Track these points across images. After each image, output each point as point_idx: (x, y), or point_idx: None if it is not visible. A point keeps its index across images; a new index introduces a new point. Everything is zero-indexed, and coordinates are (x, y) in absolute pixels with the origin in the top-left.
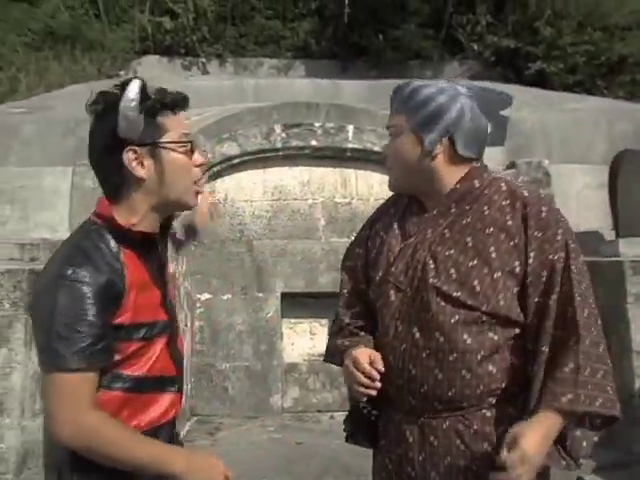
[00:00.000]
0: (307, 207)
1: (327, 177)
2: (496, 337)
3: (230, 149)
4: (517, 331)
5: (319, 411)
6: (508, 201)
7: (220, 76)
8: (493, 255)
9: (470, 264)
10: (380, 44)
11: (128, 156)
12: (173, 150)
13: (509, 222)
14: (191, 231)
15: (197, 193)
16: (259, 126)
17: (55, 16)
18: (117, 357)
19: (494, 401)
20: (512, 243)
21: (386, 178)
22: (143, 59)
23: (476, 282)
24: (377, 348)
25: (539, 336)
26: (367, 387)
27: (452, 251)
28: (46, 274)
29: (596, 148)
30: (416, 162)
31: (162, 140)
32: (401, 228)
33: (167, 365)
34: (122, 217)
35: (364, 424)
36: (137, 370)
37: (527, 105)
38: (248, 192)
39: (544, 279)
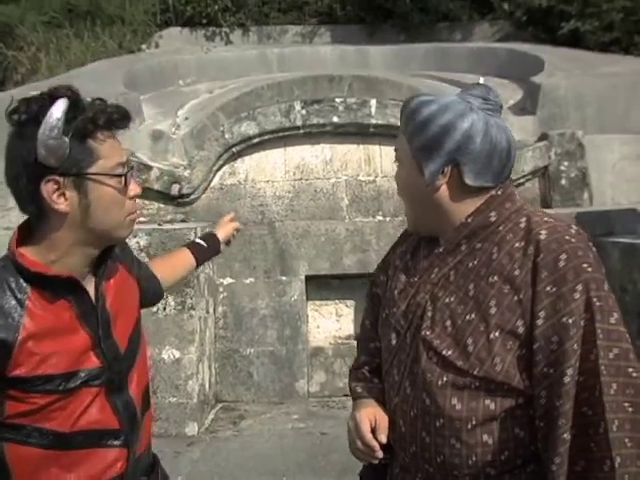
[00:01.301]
0: (330, 186)
1: (350, 154)
2: (492, 406)
3: (249, 128)
4: (520, 401)
5: (345, 395)
6: (522, 243)
7: (243, 46)
8: (492, 310)
9: (467, 318)
10: (407, 7)
11: (47, 188)
12: (102, 183)
13: (516, 272)
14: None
15: (133, 221)
16: (279, 103)
17: None
18: (24, 408)
19: (492, 472)
20: (516, 298)
21: None
22: (164, 32)
23: (470, 341)
24: None
25: (556, 419)
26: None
27: (452, 298)
28: None
29: (634, 116)
30: (418, 194)
31: (90, 171)
32: (412, 261)
33: (106, 418)
34: (39, 252)
35: (372, 467)
36: (59, 425)
37: (560, 70)
38: (269, 172)
39: (554, 346)
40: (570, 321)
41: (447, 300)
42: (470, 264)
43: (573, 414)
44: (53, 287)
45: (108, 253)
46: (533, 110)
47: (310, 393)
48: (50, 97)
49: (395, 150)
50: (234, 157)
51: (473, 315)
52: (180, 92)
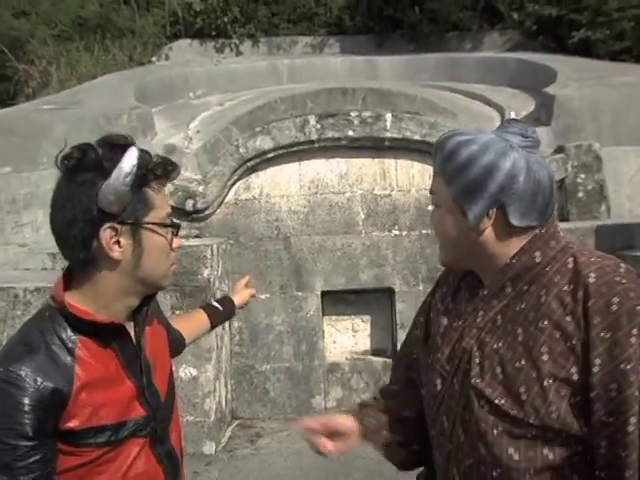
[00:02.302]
0: (345, 200)
1: (365, 168)
2: (551, 455)
3: (264, 143)
4: (579, 448)
5: None
6: (570, 286)
7: (253, 57)
8: (544, 357)
9: (517, 364)
10: (416, 16)
11: (106, 235)
12: (156, 232)
13: (567, 317)
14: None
15: (173, 272)
16: (293, 117)
17: (84, 6)
18: (72, 463)
19: None
20: (569, 344)
21: (427, 168)
22: (174, 44)
23: (522, 389)
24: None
25: (622, 470)
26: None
27: (501, 344)
28: None
29: None
30: (461, 237)
31: (147, 220)
32: (453, 303)
33: (151, 469)
34: (84, 300)
35: None
36: (108, 479)
37: (573, 80)
38: (284, 187)
39: (613, 394)
40: (628, 367)
41: (495, 346)
42: (517, 308)
43: None
44: (100, 335)
45: (147, 302)
46: (548, 121)
47: (327, 409)
48: (109, 145)
49: (431, 193)
50: (249, 172)
51: (523, 362)
52: (191, 104)
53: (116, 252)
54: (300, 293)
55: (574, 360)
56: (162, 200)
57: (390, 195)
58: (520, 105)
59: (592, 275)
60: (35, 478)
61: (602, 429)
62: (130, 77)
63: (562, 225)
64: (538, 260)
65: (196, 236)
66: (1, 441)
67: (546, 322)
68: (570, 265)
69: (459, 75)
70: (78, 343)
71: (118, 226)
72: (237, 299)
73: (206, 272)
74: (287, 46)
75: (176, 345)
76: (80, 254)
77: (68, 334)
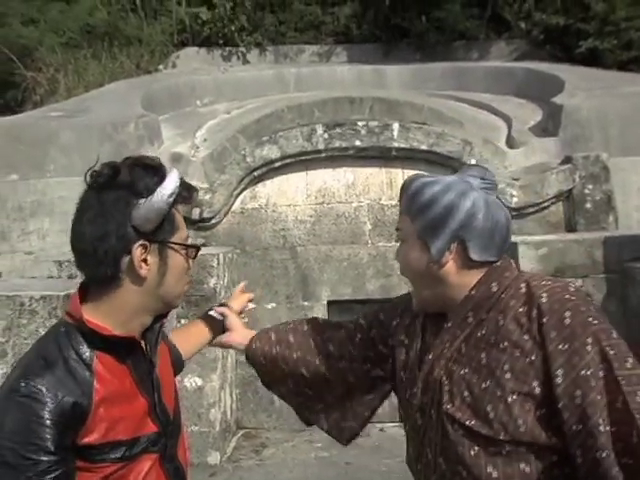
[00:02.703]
0: (352, 210)
1: (372, 178)
2: (528, 469)
3: (271, 152)
4: (554, 459)
5: (370, 422)
6: (525, 308)
7: (260, 66)
8: (507, 375)
9: (483, 386)
10: (423, 26)
11: (137, 252)
12: (178, 252)
13: (524, 336)
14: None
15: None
16: (300, 126)
17: (92, 14)
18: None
19: None
20: (528, 360)
21: None
22: (181, 52)
23: (489, 407)
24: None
25: (606, 471)
26: None
27: (467, 369)
28: (3, 384)
29: None
30: (425, 271)
31: (174, 240)
32: (421, 337)
33: None
34: (102, 316)
35: None
36: None
37: (580, 90)
38: (290, 196)
39: (579, 400)
40: (589, 373)
41: (462, 372)
42: (479, 334)
43: (621, 467)
44: (116, 351)
45: (158, 320)
46: (555, 131)
47: None
48: (141, 165)
49: (397, 230)
50: (255, 181)
51: (488, 382)
52: (198, 113)
53: (144, 269)
54: (306, 303)
55: (534, 375)
56: (182, 222)
57: (397, 205)
58: (527, 115)
59: (544, 295)
60: None
61: (574, 438)
62: (137, 85)
63: (569, 236)
64: (495, 289)
65: (202, 245)
66: (22, 456)
67: (506, 343)
68: (523, 289)
69: (466, 84)
70: (95, 358)
71: (148, 244)
72: (235, 306)
73: (212, 281)
74: (294, 55)
75: (177, 366)
76: (108, 270)
77: (85, 349)
